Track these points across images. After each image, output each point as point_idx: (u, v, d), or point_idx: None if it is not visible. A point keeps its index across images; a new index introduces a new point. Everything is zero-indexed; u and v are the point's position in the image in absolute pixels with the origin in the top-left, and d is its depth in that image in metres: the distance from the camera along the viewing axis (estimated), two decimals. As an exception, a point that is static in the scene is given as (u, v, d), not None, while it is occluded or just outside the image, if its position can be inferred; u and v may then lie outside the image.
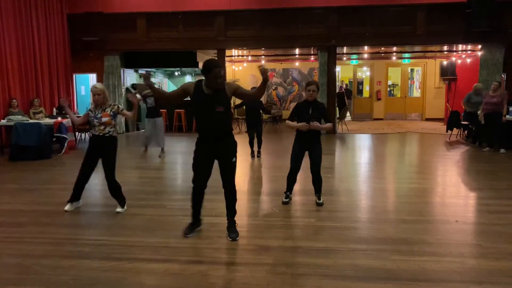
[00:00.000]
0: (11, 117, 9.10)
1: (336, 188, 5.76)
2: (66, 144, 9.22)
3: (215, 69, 3.64)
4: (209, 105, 3.74)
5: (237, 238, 3.93)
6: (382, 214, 4.81)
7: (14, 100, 9.79)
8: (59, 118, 9.69)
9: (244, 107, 8.92)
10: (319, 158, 5.00)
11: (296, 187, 5.32)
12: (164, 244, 3.87)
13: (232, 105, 5.33)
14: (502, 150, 8.95)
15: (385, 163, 8.46)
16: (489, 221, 4.50)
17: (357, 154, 9.58)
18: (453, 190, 6.18)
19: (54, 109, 11.39)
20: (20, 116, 9.25)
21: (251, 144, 8.61)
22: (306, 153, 5.06)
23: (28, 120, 9.17)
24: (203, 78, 3.79)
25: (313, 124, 4.78)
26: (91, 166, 4.85)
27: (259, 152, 8.66)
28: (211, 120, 3.79)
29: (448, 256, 3.58)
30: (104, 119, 4.69)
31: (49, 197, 5.59)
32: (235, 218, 4.10)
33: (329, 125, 5.05)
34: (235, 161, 3.96)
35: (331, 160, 8.65)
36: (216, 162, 3.97)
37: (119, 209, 4.85)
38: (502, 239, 3.93)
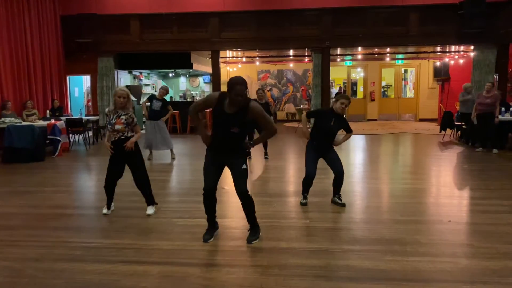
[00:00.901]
0: (4, 119, 9.05)
1: (330, 189, 5.75)
2: (59, 147, 9.17)
3: (237, 87, 3.53)
4: (226, 124, 3.66)
5: (252, 242, 3.89)
6: (375, 215, 4.82)
7: (8, 102, 9.73)
8: (53, 120, 9.64)
9: None
10: (338, 159, 5.05)
11: (290, 188, 5.33)
12: (158, 247, 3.86)
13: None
14: (495, 150, 9.02)
15: (379, 163, 8.49)
16: (481, 221, 4.53)
17: (351, 155, 9.60)
18: (446, 190, 6.22)
19: (48, 111, 11.33)
20: (13, 118, 9.19)
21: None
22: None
23: (21, 122, 9.12)
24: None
25: (337, 141, 5.05)
26: (117, 171, 4.75)
27: (266, 153, 8.69)
28: (224, 138, 3.74)
29: (441, 256, 3.59)
30: (118, 127, 4.59)
31: (42, 200, 5.56)
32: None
33: (349, 135, 5.12)
34: (246, 169, 3.84)
35: (324, 162, 8.67)
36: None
37: (149, 211, 4.80)
38: (494, 239, 3.96)
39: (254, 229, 4.00)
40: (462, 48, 13.94)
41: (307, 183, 5.13)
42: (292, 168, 8.15)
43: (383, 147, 10.86)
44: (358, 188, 6.27)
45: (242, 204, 3.89)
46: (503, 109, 9.59)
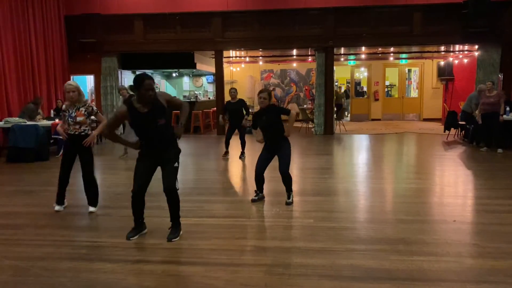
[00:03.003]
0: (9, 119, 9.08)
1: (334, 189, 5.76)
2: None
3: (146, 81, 3.63)
4: (150, 122, 3.73)
5: (173, 240, 3.93)
6: (380, 214, 4.81)
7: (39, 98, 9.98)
8: (57, 120, 9.66)
9: (228, 109, 8.63)
10: (286, 158, 5.07)
11: (294, 188, 5.32)
12: (162, 246, 3.87)
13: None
14: (499, 150, 8.97)
15: (383, 163, 8.47)
16: (486, 221, 4.51)
17: (355, 155, 9.59)
18: (451, 190, 6.20)
19: (52, 111, 11.36)
20: (17, 118, 9.22)
21: (226, 143, 8.60)
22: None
23: (26, 122, 9.15)
24: (131, 97, 3.79)
25: (287, 132, 5.03)
26: (69, 165, 4.85)
27: (242, 153, 8.59)
28: (154, 134, 3.80)
29: (446, 255, 3.58)
30: (79, 119, 4.66)
31: (46, 199, 5.56)
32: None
33: (291, 114, 5.08)
34: (177, 167, 3.97)
35: (329, 161, 8.67)
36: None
37: (91, 209, 4.85)
38: (499, 239, 3.94)
39: (175, 227, 4.04)
40: (466, 47, 13.86)
41: (256, 181, 5.24)
42: (294, 168, 8.13)
43: (387, 146, 10.83)
44: (362, 187, 6.25)
45: (169, 201, 3.96)
46: (508, 108, 9.53)
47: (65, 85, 4.75)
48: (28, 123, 9.09)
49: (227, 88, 12.79)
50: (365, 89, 18.55)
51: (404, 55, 16.75)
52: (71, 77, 13.36)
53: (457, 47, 14.10)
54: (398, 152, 10.14)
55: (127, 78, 14.38)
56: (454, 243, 3.87)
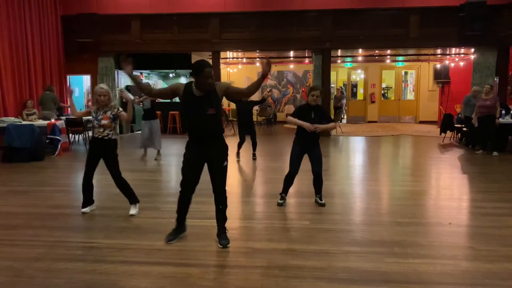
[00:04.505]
0: (4, 118, 9.05)
1: (330, 191, 5.75)
2: (59, 146, 9.17)
3: (206, 69, 3.54)
4: (200, 108, 3.63)
5: (228, 245, 3.83)
6: (376, 217, 4.82)
7: (29, 101, 9.90)
8: (52, 120, 9.63)
9: (236, 107, 8.82)
10: (320, 159, 5.04)
11: (291, 189, 5.32)
12: (158, 247, 3.85)
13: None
14: (495, 153, 9.01)
15: (379, 165, 8.48)
16: (482, 224, 4.53)
17: (351, 157, 9.60)
18: (447, 192, 6.21)
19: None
20: (13, 118, 9.19)
21: (240, 145, 8.57)
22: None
23: (21, 122, 9.11)
24: (193, 80, 3.70)
25: (319, 126, 4.82)
26: (92, 167, 4.79)
27: (254, 155, 8.61)
28: (202, 122, 3.68)
29: (441, 258, 3.59)
30: (104, 122, 4.64)
31: (41, 200, 5.55)
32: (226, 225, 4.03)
33: (332, 124, 5.11)
34: (226, 166, 3.84)
35: (325, 163, 8.59)
36: (205, 167, 3.88)
37: (132, 211, 4.80)
38: (495, 242, 3.96)
39: (224, 232, 3.95)
40: (462, 50, 13.95)
41: (288, 181, 5.14)
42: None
43: (383, 149, 10.86)
44: (358, 190, 6.26)
45: (218, 202, 3.87)
46: (503, 111, 9.58)
47: (96, 88, 4.71)
48: (24, 122, 9.05)
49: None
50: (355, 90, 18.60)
51: (400, 58, 16.83)
52: (67, 77, 13.33)
53: (453, 50, 14.18)
54: (394, 155, 10.16)
55: (123, 79, 14.35)
56: (450, 246, 3.88)
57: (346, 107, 17.13)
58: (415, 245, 3.86)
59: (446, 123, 11.27)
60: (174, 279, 3.24)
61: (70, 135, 10.43)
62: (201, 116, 3.65)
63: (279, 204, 5.14)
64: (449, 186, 6.63)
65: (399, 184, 6.75)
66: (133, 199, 4.88)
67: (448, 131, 11.35)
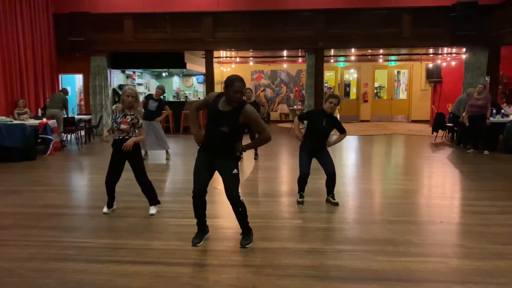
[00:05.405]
0: (-5, 118, 8.97)
1: (323, 190, 5.77)
2: (51, 146, 9.10)
3: (236, 83, 3.51)
4: (216, 122, 3.62)
5: (246, 246, 3.81)
6: (368, 215, 4.85)
7: (21, 100, 9.84)
8: (44, 119, 9.56)
9: None
10: (331, 159, 5.13)
11: (283, 188, 5.34)
12: (150, 247, 3.85)
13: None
14: (486, 152, 9.09)
15: (371, 164, 8.52)
16: (472, 222, 4.57)
17: (344, 156, 9.63)
18: (438, 191, 6.26)
19: (39, 110, 11.24)
20: (4, 117, 9.11)
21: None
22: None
23: (12, 121, 9.04)
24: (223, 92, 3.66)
25: (329, 142, 5.11)
26: (115, 170, 4.74)
27: (256, 154, 8.62)
28: (213, 136, 3.68)
29: (432, 256, 3.62)
30: (123, 126, 4.57)
31: (33, 199, 5.51)
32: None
33: (343, 136, 5.22)
34: (237, 174, 3.75)
35: (317, 162, 8.68)
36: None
37: (152, 211, 4.77)
38: (485, 240, 3.99)
39: (246, 234, 3.92)
40: (454, 50, 14.05)
41: (302, 182, 5.18)
42: (285, 168, 8.16)
43: (376, 148, 10.91)
44: (350, 188, 6.29)
45: (233, 209, 3.81)
46: (494, 111, 9.67)
47: (125, 88, 4.66)
48: (15, 122, 8.98)
49: (217, 89, 12.80)
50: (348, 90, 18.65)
51: (393, 57, 16.92)
52: (59, 76, 13.25)
53: (445, 49, 14.28)
54: (386, 153, 10.22)
55: (116, 78, 14.29)
56: (441, 244, 3.91)
57: (339, 107, 17.19)
58: (407, 243, 3.89)
59: (438, 122, 11.34)
60: (166, 278, 3.23)
61: (63, 134, 10.35)
62: (214, 130, 3.66)
63: (299, 203, 5.17)
64: (440, 185, 6.68)
65: (391, 182, 6.79)
66: (153, 201, 4.85)
67: (440, 130, 11.42)
